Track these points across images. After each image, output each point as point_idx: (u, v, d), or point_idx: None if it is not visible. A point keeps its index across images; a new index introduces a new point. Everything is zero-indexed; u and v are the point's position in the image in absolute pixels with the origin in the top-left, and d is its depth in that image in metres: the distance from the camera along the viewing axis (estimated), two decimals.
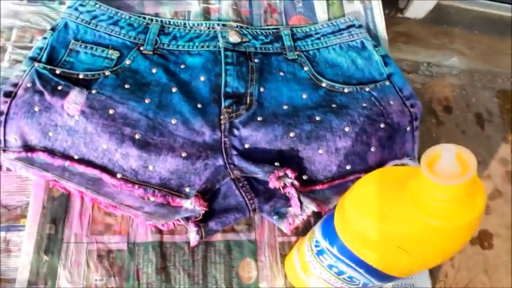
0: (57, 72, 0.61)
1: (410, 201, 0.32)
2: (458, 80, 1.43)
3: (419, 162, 0.31)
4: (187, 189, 0.58)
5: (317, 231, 0.46)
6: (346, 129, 0.62)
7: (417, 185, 0.32)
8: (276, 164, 0.59)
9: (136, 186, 0.57)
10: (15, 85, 0.60)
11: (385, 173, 0.40)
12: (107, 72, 0.63)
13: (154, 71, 0.64)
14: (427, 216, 0.32)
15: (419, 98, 0.68)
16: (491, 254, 1.14)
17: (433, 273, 0.72)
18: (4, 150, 0.57)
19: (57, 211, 0.58)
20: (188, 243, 0.58)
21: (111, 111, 0.58)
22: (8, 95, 0.59)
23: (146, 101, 0.60)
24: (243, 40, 0.69)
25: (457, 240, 0.34)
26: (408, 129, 0.66)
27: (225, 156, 0.59)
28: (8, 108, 0.59)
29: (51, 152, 0.58)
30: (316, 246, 0.45)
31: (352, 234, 0.39)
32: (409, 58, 1.41)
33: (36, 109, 0.58)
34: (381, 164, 0.63)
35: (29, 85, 0.60)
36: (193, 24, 0.71)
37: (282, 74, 0.68)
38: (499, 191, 1.27)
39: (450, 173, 0.29)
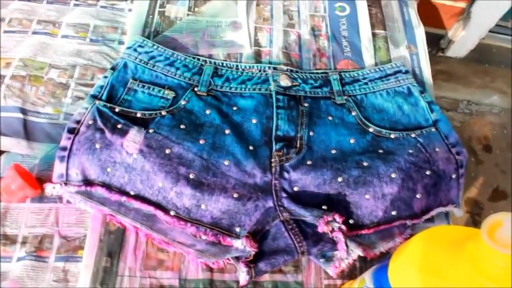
0: (117, 110, 0.65)
1: (469, 264, 0.34)
2: (499, 118, 1.42)
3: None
4: (237, 229, 0.60)
5: (368, 279, 0.47)
6: (393, 175, 0.63)
7: (477, 249, 0.33)
8: (324, 207, 0.61)
9: (189, 224, 0.59)
10: (78, 122, 0.63)
11: (445, 231, 0.41)
12: (163, 112, 0.66)
13: (208, 112, 0.67)
14: (485, 280, 0.33)
15: (458, 136, 0.69)
16: None
17: None
18: (66, 184, 0.60)
19: (113, 245, 0.61)
20: (237, 282, 0.59)
21: (167, 151, 0.61)
22: (71, 131, 0.62)
23: (201, 142, 0.63)
24: (293, 84, 0.72)
25: None
26: (454, 176, 0.67)
27: (275, 198, 0.61)
28: (72, 144, 0.62)
29: (109, 187, 0.61)
30: None
31: None
32: (448, 96, 1.41)
33: (97, 146, 0.61)
34: (426, 210, 0.64)
35: (90, 122, 0.63)
36: (245, 67, 0.74)
37: (330, 118, 0.70)
38: None
39: (510, 242, 0.31)
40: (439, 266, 0.37)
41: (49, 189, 0.61)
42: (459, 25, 1.25)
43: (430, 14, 1.19)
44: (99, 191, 0.60)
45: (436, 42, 1.32)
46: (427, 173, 0.65)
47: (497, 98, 1.45)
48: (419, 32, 0.85)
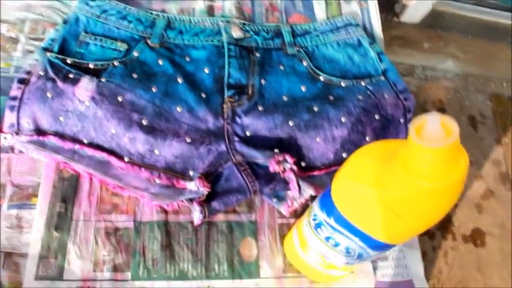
0: (68, 61, 0.64)
1: (401, 166, 0.35)
2: (452, 83, 1.46)
3: None
4: (191, 173, 0.61)
5: (315, 205, 0.49)
6: (343, 119, 0.65)
7: (406, 151, 0.35)
8: (276, 150, 0.62)
9: (143, 169, 0.60)
10: (28, 73, 0.63)
11: (379, 145, 0.43)
12: (116, 63, 0.66)
13: (160, 62, 0.67)
14: (415, 178, 0.35)
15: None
16: (484, 252, 1.16)
17: (428, 269, 0.75)
18: (17, 133, 0.60)
19: (67, 191, 0.61)
20: (192, 222, 0.61)
21: (119, 98, 0.62)
22: (21, 81, 0.62)
23: (153, 90, 0.64)
24: (245, 35, 0.73)
25: (442, 202, 0.37)
26: (402, 121, 0.69)
27: (227, 142, 0.62)
28: (22, 94, 0.61)
29: (62, 136, 0.61)
30: (314, 219, 0.48)
31: (348, 203, 0.42)
32: (404, 61, 1.44)
33: (49, 95, 0.61)
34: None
35: (41, 73, 0.63)
36: (198, 20, 0.74)
37: (282, 67, 0.71)
38: (491, 191, 1.29)
39: (435, 138, 0.33)
40: (375, 174, 0.39)
41: (0, 139, 0.60)
42: None
43: None
44: (52, 140, 0.60)
45: (391, 8, 1.35)
46: (376, 117, 0.67)
47: (451, 63, 1.49)
48: None
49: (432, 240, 0.92)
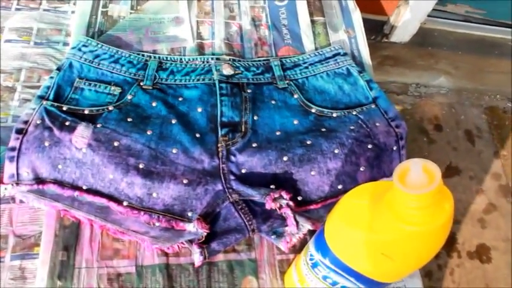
0: (64, 108, 0.66)
1: (388, 211, 0.37)
2: (447, 98, 1.48)
3: None
4: (189, 214, 0.62)
5: (311, 245, 0.50)
6: (336, 151, 0.66)
7: (392, 196, 0.36)
8: (272, 186, 0.63)
9: (142, 213, 0.61)
10: (25, 122, 0.64)
11: (369, 188, 0.44)
12: (110, 107, 0.67)
13: (154, 104, 0.69)
14: (402, 223, 0.36)
15: (409, 118, 0.73)
16: (491, 268, 1.17)
17: None
18: (17, 184, 0.61)
19: (69, 239, 0.62)
20: (193, 264, 0.61)
21: (116, 144, 0.63)
22: (19, 131, 0.63)
23: (148, 133, 0.65)
24: (236, 72, 0.74)
25: (431, 244, 0.38)
26: (395, 148, 0.70)
27: (223, 181, 0.63)
28: (20, 144, 0.62)
29: (61, 183, 0.62)
30: (310, 259, 0.49)
31: (341, 245, 0.43)
32: (397, 80, 1.46)
33: (46, 144, 0.62)
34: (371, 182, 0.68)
35: (38, 122, 0.64)
36: (189, 59, 0.76)
37: (273, 102, 0.72)
38: (493, 205, 1.30)
39: (418, 184, 0.34)
40: (365, 218, 0.40)
41: (1, 190, 0.61)
42: (399, 10, 1.30)
43: (371, 1, 1.24)
44: (52, 188, 0.61)
45: (380, 29, 1.37)
46: (369, 146, 0.68)
47: (443, 79, 1.51)
48: (356, 16, 0.89)
49: (437, 259, 0.92)
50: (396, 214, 0.36)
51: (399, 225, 0.36)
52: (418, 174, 0.34)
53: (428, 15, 1.34)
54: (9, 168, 0.62)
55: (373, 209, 0.39)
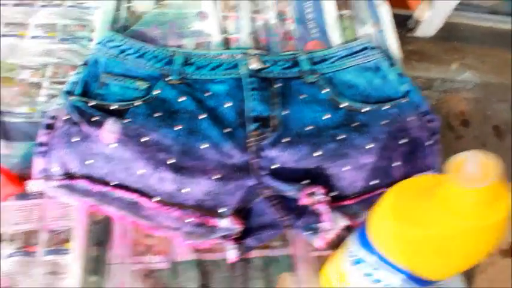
0: (91, 104, 0.65)
1: (441, 206, 0.35)
2: (473, 94, 1.45)
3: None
4: (221, 210, 0.61)
5: (351, 242, 0.48)
6: (368, 146, 0.65)
7: (446, 190, 0.34)
8: (305, 182, 0.62)
9: (173, 209, 0.60)
10: (53, 118, 0.64)
11: (413, 182, 0.43)
12: (137, 102, 0.66)
13: (181, 99, 0.68)
14: (457, 218, 0.34)
15: (435, 114, 0.70)
16: None
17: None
18: (47, 179, 0.61)
19: (100, 234, 0.61)
20: (227, 260, 0.60)
21: (144, 139, 0.62)
22: (47, 127, 0.63)
23: (176, 128, 0.64)
24: (264, 66, 0.73)
25: (485, 241, 0.36)
26: (428, 143, 0.68)
27: (255, 177, 0.62)
28: (49, 140, 0.62)
29: (91, 178, 0.61)
30: (351, 256, 0.48)
31: (387, 242, 0.42)
32: (422, 75, 1.44)
33: (75, 139, 0.61)
34: (406, 177, 0.66)
35: (66, 117, 0.63)
36: (215, 54, 0.74)
37: (302, 97, 0.71)
38: None
39: (475, 177, 0.32)
40: (413, 213, 0.38)
41: (31, 185, 0.61)
42: (424, 5, 1.28)
43: None
44: (81, 184, 0.61)
45: (404, 23, 1.35)
46: (402, 141, 0.66)
47: (469, 74, 1.48)
48: (384, 9, 0.87)
49: None
50: (450, 209, 0.34)
51: (453, 220, 0.34)
52: (475, 167, 0.32)
53: (454, 9, 1.32)
54: (39, 163, 0.61)
55: (422, 205, 0.38)
